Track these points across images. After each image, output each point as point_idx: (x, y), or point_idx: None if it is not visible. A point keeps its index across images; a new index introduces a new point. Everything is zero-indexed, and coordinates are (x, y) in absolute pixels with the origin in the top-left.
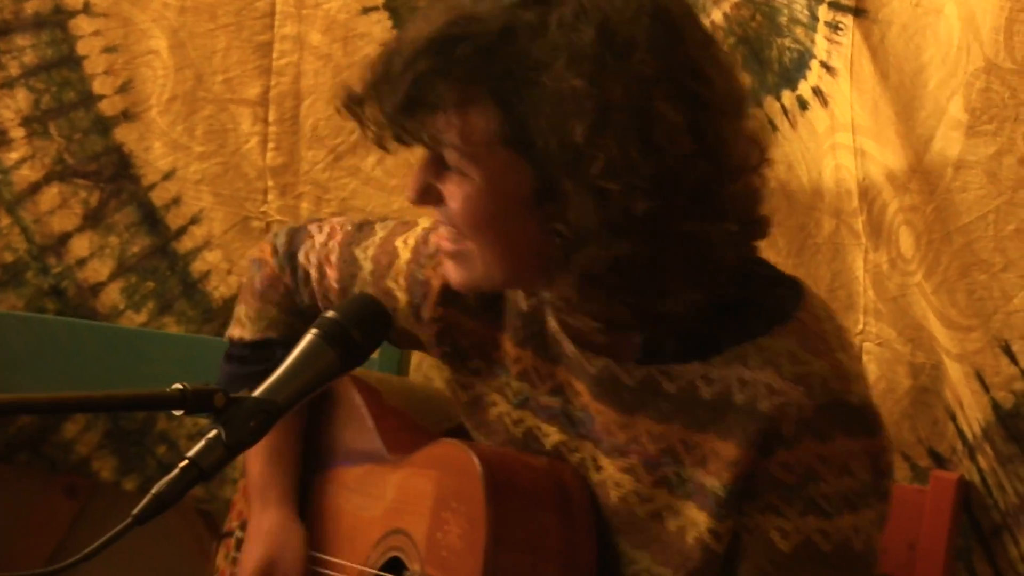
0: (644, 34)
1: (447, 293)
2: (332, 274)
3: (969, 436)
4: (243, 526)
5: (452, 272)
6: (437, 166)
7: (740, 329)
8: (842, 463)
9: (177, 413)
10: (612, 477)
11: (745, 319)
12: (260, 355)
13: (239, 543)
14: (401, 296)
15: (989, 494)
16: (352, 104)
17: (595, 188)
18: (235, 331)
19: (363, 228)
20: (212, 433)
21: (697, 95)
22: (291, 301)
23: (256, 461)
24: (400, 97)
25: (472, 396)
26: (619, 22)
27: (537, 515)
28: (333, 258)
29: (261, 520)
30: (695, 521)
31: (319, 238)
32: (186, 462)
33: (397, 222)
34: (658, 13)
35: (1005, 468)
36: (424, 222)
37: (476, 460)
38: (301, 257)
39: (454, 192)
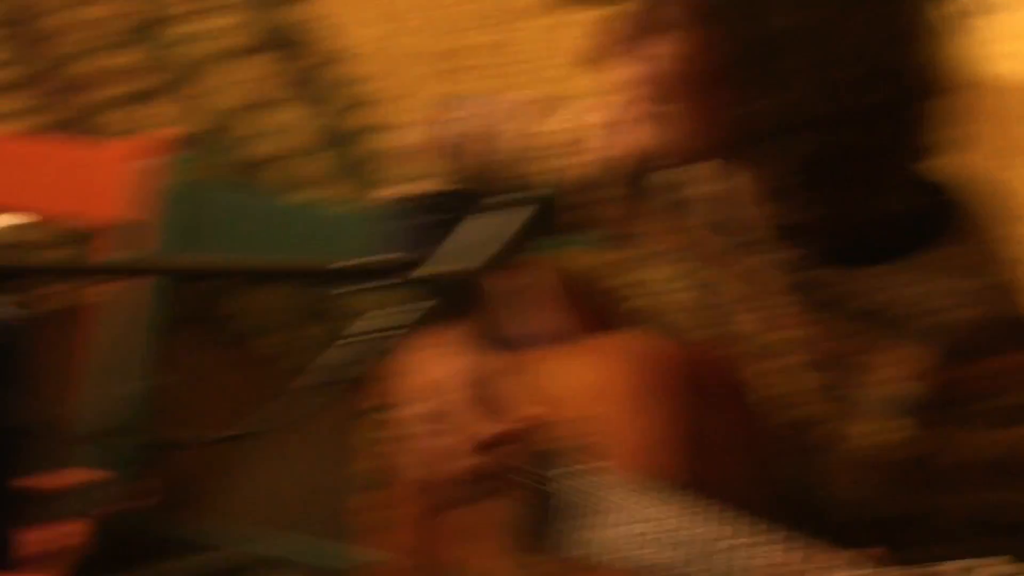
0: None
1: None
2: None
3: None
4: (386, 406)
5: (646, 136)
6: (637, 24)
7: (911, 238)
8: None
9: (367, 287)
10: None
11: (915, 227)
12: (447, 206)
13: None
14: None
15: None
16: None
17: (829, 74)
18: (417, 187)
19: None
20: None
21: None
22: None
23: None
24: None
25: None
26: None
27: (723, 409)
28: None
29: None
30: (863, 431)
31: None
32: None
33: None
34: None
35: None
36: None
37: (664, 354)
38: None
39: (659, 52)
